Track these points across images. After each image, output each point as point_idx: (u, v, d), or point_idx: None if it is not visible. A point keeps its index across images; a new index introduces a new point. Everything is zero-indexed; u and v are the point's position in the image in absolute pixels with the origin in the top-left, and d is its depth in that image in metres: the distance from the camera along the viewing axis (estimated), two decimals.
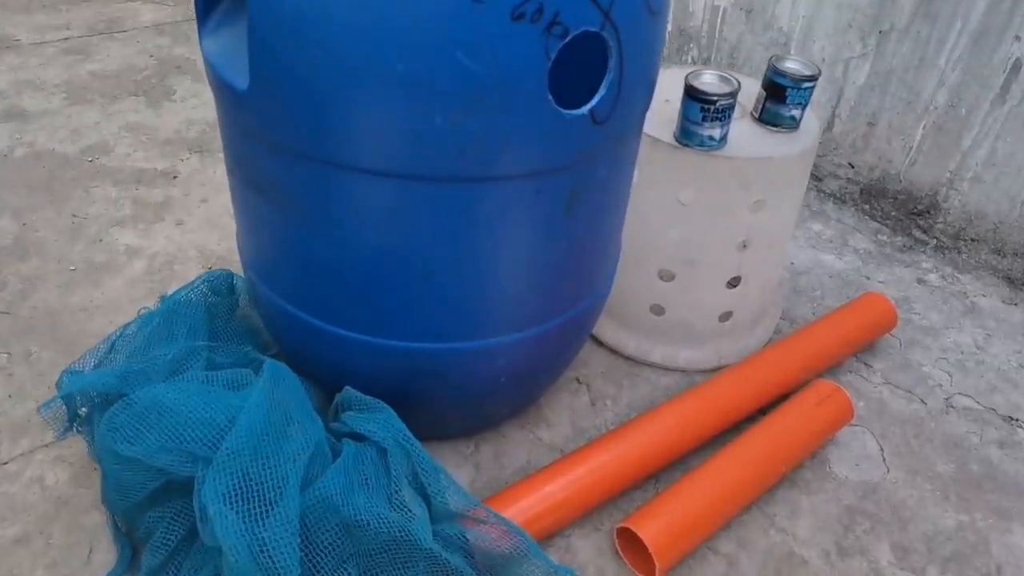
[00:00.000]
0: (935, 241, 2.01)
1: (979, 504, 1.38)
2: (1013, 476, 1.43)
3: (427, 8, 0.84)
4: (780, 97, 1.38)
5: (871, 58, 1.95)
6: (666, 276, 1.50)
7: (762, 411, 1.47)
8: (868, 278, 1.90)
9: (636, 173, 1.41)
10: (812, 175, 2.19)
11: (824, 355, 1.57)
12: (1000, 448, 1.48)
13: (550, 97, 0.93)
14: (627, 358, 1.62)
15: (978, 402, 1.58)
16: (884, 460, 1.44)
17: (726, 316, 1.55)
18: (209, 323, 1.36)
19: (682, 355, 1.58)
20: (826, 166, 2.17)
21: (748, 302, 1.55)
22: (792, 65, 1.39)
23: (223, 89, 1.02)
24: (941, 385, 1.61)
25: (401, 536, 0.96)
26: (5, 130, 2.17)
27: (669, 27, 2.43)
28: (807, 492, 1.38)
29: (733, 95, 1.29)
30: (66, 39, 2.69)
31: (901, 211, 2.05)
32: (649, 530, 1.19)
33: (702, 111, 1.30)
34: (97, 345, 1.29)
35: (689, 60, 2.41)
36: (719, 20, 2.27)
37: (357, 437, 1.08)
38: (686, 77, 1.32)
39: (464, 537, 1.03)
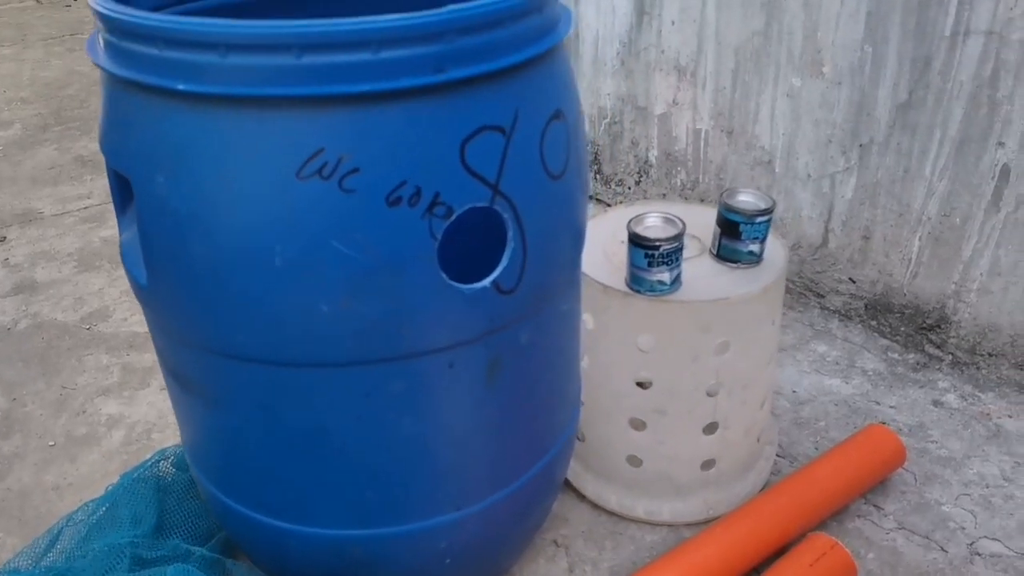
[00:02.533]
0: (951, 357, 1.86)
1: None
2: None
3: (300, 200, 0.83)
4: (735, 234, 1.32)
5: (856, 172, 1.89)
6: (638, 425, 1.40)
7: (757, 570, 1.33)
8: (878, 403, 1.76)
9: (591, 320, 1.36)
10: (814, 292, 2.09)
11: (825, 500, 1.42)
12: None
13: (443, 275, 0.89)
14: (610, 513, 1.50)
15: (1008, 547, 1.40)
16: None
17: (709, 464, 1.43)
18: (159, 505, 1.32)
19: (666, 508, 1.46)
20: (827, 282, 2.07)
21: (732, 447, 1.43)
22: (744, 199, 1.34)
23: (132, 283, 1.02)
24: (964, 528, 1.44)
25: None
26: (13, 303, 2.26)
27: (655, 152, 2.43)
28: None
29: (678, 238, 1.24)
30: (86, 207, 2.84)
31: (910, 326, 1.92)
32: None
33: (647, 257, 1.25)
34: (39, 538, 1.25)
35: (678, 183, 2.39)
36: (702, 143, 2.26)
37: None
38: (628, 223, 1.28)
39: None
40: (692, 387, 1.34)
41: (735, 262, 1.35)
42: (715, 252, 1.38)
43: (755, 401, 1.42)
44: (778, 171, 2.07)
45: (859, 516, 1.48)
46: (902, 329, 1.94)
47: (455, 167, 0.86)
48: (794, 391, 1.81)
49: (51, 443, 1.75)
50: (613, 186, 2.66)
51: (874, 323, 2.00)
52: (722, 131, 2.18)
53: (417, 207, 0.85)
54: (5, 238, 2.61)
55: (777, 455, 1.63)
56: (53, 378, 1.95)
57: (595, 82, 2.54)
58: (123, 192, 1.00)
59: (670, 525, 1.47)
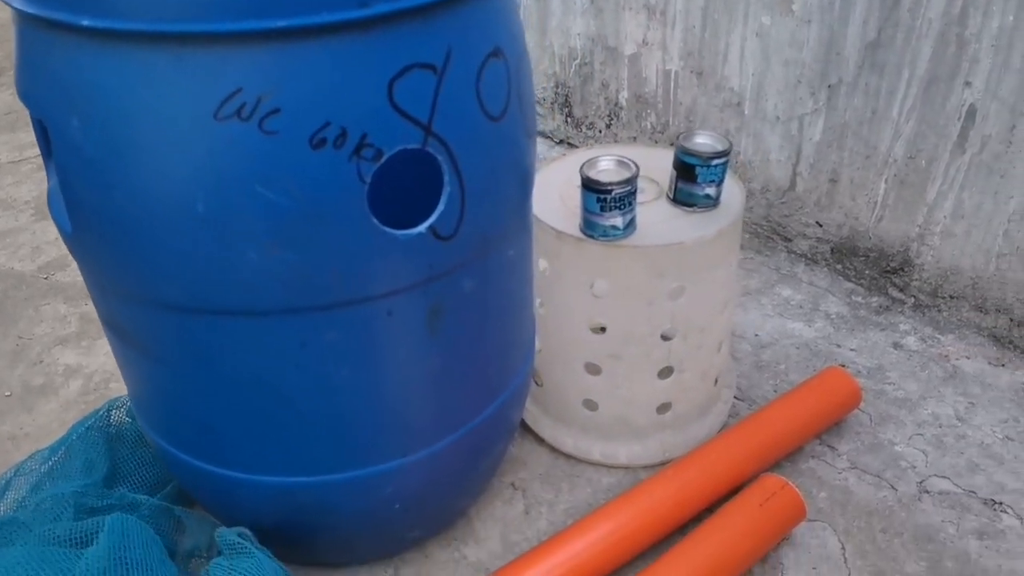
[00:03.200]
0: (913, 300, 1.87)
1: None
2: (994, 574, 1.27)
3: (218, 143, 0.79)
4: (691, 177, 1.30)
5: (824, 113, 1.86)
6: (593, 370, 1.40)
7: (710, 510, 1.34)
8: (839, 346, 1.77)
9: (546, 265, 1.34)
10: (781, 236, 2.08)
11: (779, 442, 1.44)
12: (979, 539, 1.32)
13: (375, 221, 0.87)
14: (568, 456, 1.52)
15: (956, 484, 1.43)
16: (846, 561, 1.30)
17: (665, 408, 1.44)
18: (110, 454, 1.31)
19: (623, 451, 1.47)
20: (794, 226, 2.06)
21: (688, 391, 1.44)
22: (701, 141, 1.31)
23: (60, 232, 0.99)
24: (915, 466, 1.46)
25: None
26: None
27: (625, 95, 2.38)
28: None
29: (630, 182, 1.22)
30: None
31: (874, 269, 1.92)
32: None
33: (599, 201, 1.23)
34: None
35: (648, 126, 2.35)
36: (672, 84, 2.21)
37: None
38: (581, 167, 1.25)
39: None
40: (647, 332, 1.33)
41: (691, 206, 1.33)
42: (671, 196, 1.35)
43: (711, 345, 1.41)
44: (747, 113, 2.03)
45: (813, 457, 1.49)
46: (867, 272, 1.94)
47: (383, 107, 0.82)
48: (756, 335, 1.82)
49: (7, 393, 1.73)
50: (584, 129, 2.61)
51: (839, 267, 2.00)
52: (692, 72, 2.13)
53: (343, 149, 0.82)
54: None
55: (736, 398, 1.64)
56: (9, 328, 1.92)
57: (564, 21, 2.47)
58: (45, 137, 0.96)
59: (627, 468, 1.48)
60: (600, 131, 2.55)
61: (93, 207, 0.87)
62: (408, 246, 0.91)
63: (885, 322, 1.83)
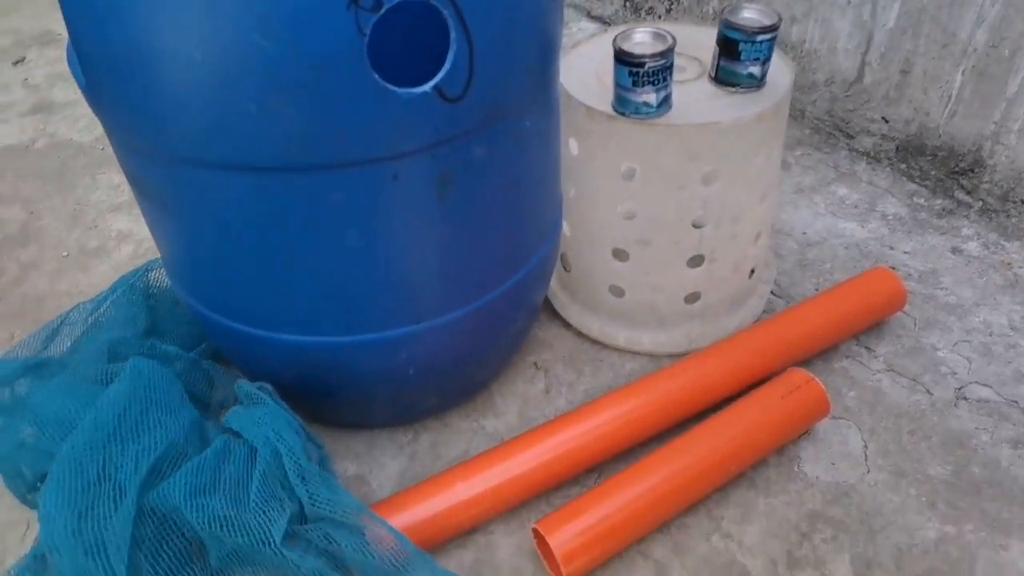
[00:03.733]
0: (980, 203, 1.74)
1: (973, 514, 1.19)
2: (1023, 482, 1.23)
3: None
4: (733, 54, 1.22)
5: None
6: (621, 256, 1.37)
7: (730, 400, 1.33)
8: (892, 248, 1.68)
9: (576, 146, 1.30)
10: (843, 132, 1.96)
11: (811, 338, 1.40)
12: (1014, 448, 1.28)
13: (376, 76, 0.84)
14: (593, 341, 1.51)
15: (998, 393, 1.36)
16: (866, 459, 1.28)
17: (693, 297, 1.41)
18: (149, 310, 1.37)
19: (647, 338, 1.46)
20: (857, 121, 1.93)
21: (719, 282, 1.40)
22: (747, 15, 1.22)
23: (77, 85, 1.00)
24: (956, 373, 1.41)
25: (251, 540, 0.93)
26: (32, 123, 2.29)
27: None
28: (766, 494, 1.24)
29: (664, 55, 1.15)
30: None
31: (941, 170, 1.79)
32: (558, 534, 1.10)
33: (631, 75, 1.16)
34: (36, 332, 1.32)
35: (709, 11, 2.20)
36: None
37: (238, 434, 1.06)
38: (614, 38, 1.18)
39: (332, 539, 0.99)
40: (677, 218, 1.29)
41: (733, 86, 1.25)
42: (713, 75, 1.27)
43: (746, 235, 1.36)
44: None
45: (848, 356, 1.45)
46: (932, 173, 1.82)
47: None
48: (804, 233, 1.74)
49: (64, 254, 1.82)
50: (643, 15, 2.47)
51: (903, 166, 1.87)
52: None
53: None
54: (24, 59, 2.61)
55: (774, 294, 1.59)
56: (68, 194, 2.01)
57: None
58: None
59: (651, 355, 1.47)
60: (659, 16, 2.41)
61: (100, 57, 0.87)
62: (412, 106, 0.88)
63: (946, 226, 1.73)
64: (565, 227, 1.44)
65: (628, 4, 2.51)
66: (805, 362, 1.42)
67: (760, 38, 1.19)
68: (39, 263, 1.80)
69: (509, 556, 1.18)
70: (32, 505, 1.13)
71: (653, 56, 1.14)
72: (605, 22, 2.63)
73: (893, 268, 1.62)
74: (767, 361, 1.35)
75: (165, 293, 1.42)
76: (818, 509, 1.21)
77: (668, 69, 1.17)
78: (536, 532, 1.14)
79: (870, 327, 1.48)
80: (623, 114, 1.21)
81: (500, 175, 1.05)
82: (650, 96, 1.18)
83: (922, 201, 1.80)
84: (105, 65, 0.87)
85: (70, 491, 0.89)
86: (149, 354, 1.23)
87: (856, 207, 1.80)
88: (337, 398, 1.27)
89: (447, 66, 0.88)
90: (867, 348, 1.46)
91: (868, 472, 1.26)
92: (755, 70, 1.23)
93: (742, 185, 1.28)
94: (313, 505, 1.01)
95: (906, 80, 1.78)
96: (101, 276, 1.74)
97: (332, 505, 1.01)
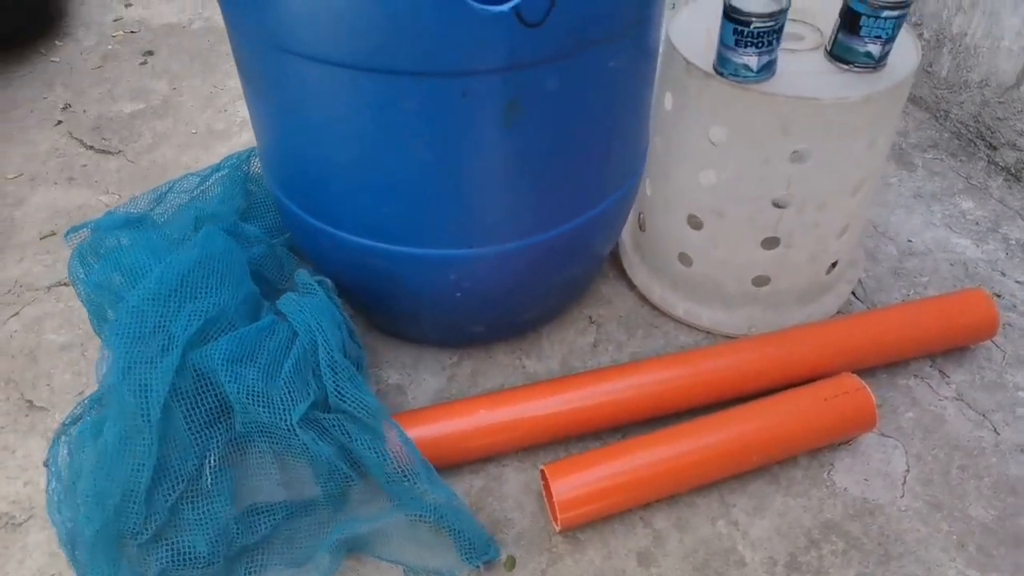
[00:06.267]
0: None
1: (1005, 564, 1.11)
2: None
3: None
4: (854, 28, 1.13)
5: None
6: (695, 223, 1.34)
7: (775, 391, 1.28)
8: (1004, 274, 1.54)
9: (670, 100, 1.26)
10: (986, 142, 1.79)
11: (877, 347, 1.32)
12: None
13: None
14: (653, 307, 1.49)
15: None
16: (904, 483, 1.21)
17: (762, 281, 1.35)
18: (245, 193, 1.46)
19: (706, 314, 1.42)
20: (1005, 132, 1.75)
21: (793, 270, 1.34)
22: None
23: None
24: None
25: (271, 414, 1.00)
26: (192, 4, 2.45)
27: None
28: (786, 492, 1.20)
29: (775, 17, 1.09)
30: None
31: None
32: (562, 481, 1.12)
33: (735, 33, 1.11)
34: (148, 192, 1.44)
35: None
36: None
37: (285, 317, 1.13)
38: None
39: (347, 432, 1.05)
40: (757, 193, 1.24)
41: (848, 63, 1.17)
42: (829, 48, 1.19)
43: (831, 227, 1.29)
44: None
45: (917, 375, 1.36)
46: None
47: None
48: (909, 240, 1.62)
49: (194, 131, 1.96)
50: None
51: None
52: None
53: None
54: None
55: (856, 296, 1.50)
56: (208, 76, 2.15)
57: None
58: None
59: (708, 332, 1.44)
60: None
61: None
62: (489, 25, 0.88)
63: None
64: (647, 185, 1.41)
65: None
66: (867, 371, 1.34)
67: (886, 14, 1.10)
68: (171, 135, 1.95)
69: (516, 491, 1.21)
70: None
71: (761, 16, 1.08)
72: None
73: (998, 295, 1.49)
74: (825, 360, 1.29)
75: (260, 179, 1.51)
76: (836, 520, 1.16)
77: (775, 33, 1.11)
78: (543, 474, 1.16)
79: (951, 350, 1.38)
80: (721, 74, 1.17)
81: (574, 112, 1.04)
82: (751, 59, 1.13)
83: None
84: None
85: (128, 336, 0.99)
86: (231, 231, 1.32)
87: (977, 224, 1.66)
88: (389, 307, 1.33)
89: None
90: (941, 371, 1.36)
91: (902, 496, 1.19)
92: (874, 48, 1.14)
93: (834, 171, 1.20)
94: (338, 397, 1.07)
95: None
96: (219, 156, 1.86)
97: (355, 401, 1.07)
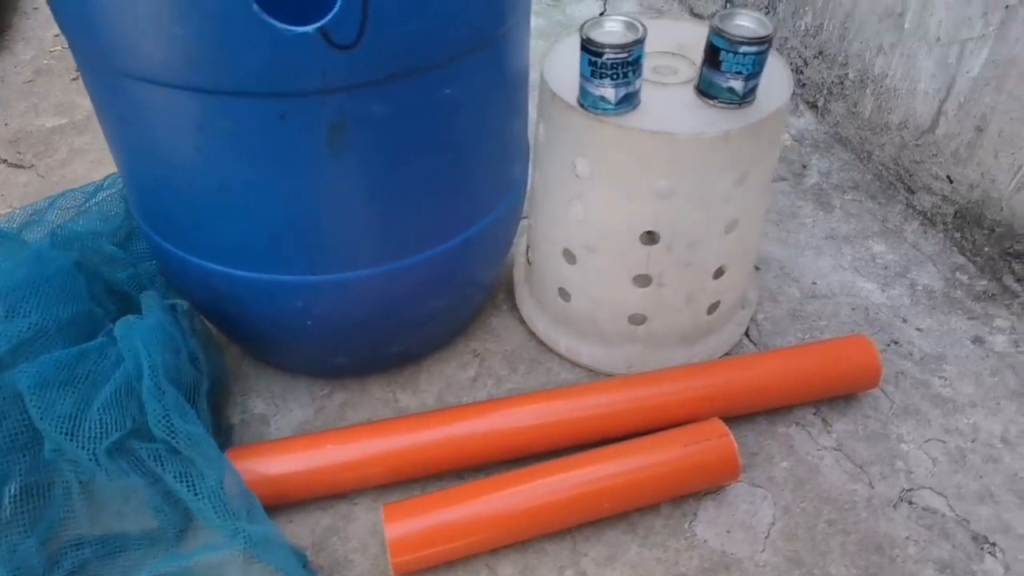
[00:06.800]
0: None
1: None
2: None
3: None
4: (715, 63, 1.10)
5: (991, 42, 1.49)
6: (569, 258, 1.30)
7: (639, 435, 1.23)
8: (905, 321, 1.49)
9: (543, 131, 1.23)
10: (905, 185, 1.76)
11: (755, 393, 1.27)
12: (939, 572, 1.11)
13: (255, 7, 0.82)
14: (540, 342, 1.45)
15: (951, 506, 1.19)
16: (767, 536, 1.15)
17: (639, 319, 1.31)
18: (127, 210, 1.43)
19: (586, 351, 1.37)
20: (922, 176, 1.72)
21: (668, 310, 1.29)
22: (738, 22, 1.10)
23: None
24: (912, 472, 1.24)
25: (75, 442, 0.96)
26: None
27: None
28: (643, 543, 1.14)
29: (627, 48, 1.06)
30: None
31: (995, 248, 1.57)
32: (399, 522, 1.07)
33: (590, 64, 1.08)
34: (27, 206, 1.40)
35: (802, 27, 2.02)
36: None
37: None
38: (585, 23, 1.10)
39: (162, 463, 1.00)
40: (624, 228, 1.20)
41: (712, 98, 1.14)
42: (696, 84, 1.16)
43: (705, 266, 1.25)
44: (907, 27, 1.68)
45: (798, 423, 1.31)
46: (985, 249, 1.59)
47: None
48: (814, 282, 1.58)
49: None
50: None
51: (957, 235, 1.65)
52: None
53: None
54: None
55: (750, 339, 1.46)
56: None
57: None
58: None
59: (590, 370, 1.39)
60: None
61: None
62: (295, 45, 0.85)
63: (980, 311, 1.51)
64: (532, 217, 1.38)
65: (727, 5, 2.36)
66: (747, 416, 1.29)
67: (744, 49, 1.07)
68: (87, 151, 1.93)
69: (362, 531, 1.16)
70: None
71: (613, 47, 1.05)
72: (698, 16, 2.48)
73: (895, 342, 1.44)
74: (697, 404, 1.24)
75: None
76: (689, 574, 1.11)
77: (631, 65, 1.08)
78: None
79: (836, 397, 1.33)
80: (583, 106, 1.13)
81: (410, 138, 1.00)
82: (608, 91, 1.09)
83: (964, 278, 1.59)
84: None
85: None
86: (93, 249, 1.29)
87: (886, 268, 1.61)
88: (247, 334, 1.29)
89: (335, 10, 0.85)
90: (824, 419, 1.31)
91: (762, 551, 1.13)
92: (736, 84, 1.11)
93: (701, 208, 1.17)
94: (160, 425, 1.02)
95: (979, 139, 1.56)
96: None
97: (178, 431, 1.02)
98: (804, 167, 1.90)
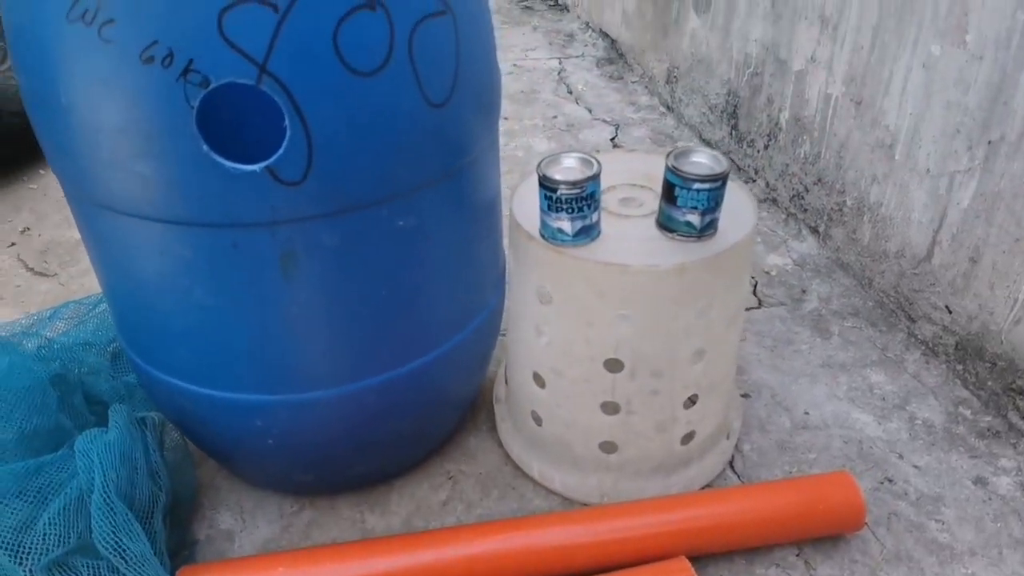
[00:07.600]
0: None
1: None
2: None
3: (69, 41, 0.86)
4: (671, 198, 1.12)
5: (977, 175, 1.48)
6: (539, 381, 1.29)
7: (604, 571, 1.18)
8: (901, 457, 1.42)
9: (512, 259, 1.26)
10: (906, 314, 1.72)
11: (726, 531, 1.21)
12: None
13: (205, 146, 0.88)
14: (516, 467, 1.42)
15: None
16: None
17: (610, 447, 1.28)
18: None
19: (558, 478, 1.34)
20: (921, 305, 1.68)
21: (638, 439, 1.26)
22: (694, 159, 1.12)
23: None
24: None
25: (10, 557, 0.96)
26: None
27: (786, 115, 2.09)
28: None
29: (580, 185, 1.09)
30: None
31: (999, 382, 1.50)
32: None
33: (547, 199, 1.11)
34: (29, 315, 1.49)
35: (801, 155, 2.05)
36: (830, 111, 1.90)
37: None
38: (543, 160, 1.14)
39: None
40: (588, 355, 1.19)
41: (671, 231, 1.15)
42: (656, 217, 1.18)
43: (673, 395, 1.22)
44: (897, 158, 1.69)
45: (778, 565, 1.23)
46: (989, 383, 1.53)
47: (212, 36, 0.83)
48: (807, 412, 1.53)
49: None
50: (745, 147, 2.35)
51: (960, 367, 1.59)
52: (851, 100, 1.81)
53: (170, 69, 0.84)
54: None
55: (734, 470, 1.40)
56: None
57: (747, 24, 2.23)
58: None
59: (563, 497, 1.35)
60: (759, 151, 2.28)
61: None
62: (244, 181, 0.91)
63: (983, 449, 1.43)
64: (507, 337, 1.39)
65: (734, 133, 2.41)
66: (725, 556, 1.23)
67: (697, 186, 1.09)
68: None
69: None
70: None
71: (567, 183, 1.09)
72: (714, 146, 2.54)
73: (889, 480, 1.37)
74: (666, 540, 1.18)
75: None
76: None
77: (585, 200, 1.10)
78: None
79: (822, 538, 1.26)
80: (543, 236, 1.16)
81: (363, 266, 1.04)
82: (565, 223, 1.12)
83: (967, 413, 1.51)
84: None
85: None
86: (78, 360, 1.34)
87: (884, 400, 1.55)
88: (215, 449, 1.30)
89: (280, 151, 0.90)
90: (807, 562, 1.24)
91: None
92: (693, 219, 1.12)
93: (662, 339, 1.16)
94: (105, 542, 1.03)
95: (974, 270, 1.53)
96: None
97: (121, 548, 1.02)
98: (803, 292, 1.87)
